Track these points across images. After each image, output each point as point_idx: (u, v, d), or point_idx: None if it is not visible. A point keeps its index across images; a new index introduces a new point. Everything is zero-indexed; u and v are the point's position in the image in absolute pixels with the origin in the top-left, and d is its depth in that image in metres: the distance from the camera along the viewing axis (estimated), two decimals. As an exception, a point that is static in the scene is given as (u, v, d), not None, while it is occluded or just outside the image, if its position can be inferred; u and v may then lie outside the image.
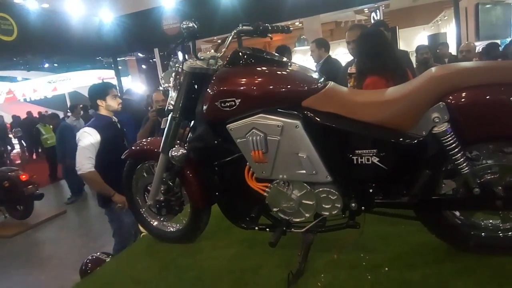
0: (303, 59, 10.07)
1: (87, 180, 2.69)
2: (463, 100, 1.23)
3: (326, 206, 1.47)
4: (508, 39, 9.27)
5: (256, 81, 1.41)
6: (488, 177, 1.30)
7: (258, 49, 1.54)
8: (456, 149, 1.25)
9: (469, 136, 1.25)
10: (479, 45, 7.33)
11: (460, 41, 6.95)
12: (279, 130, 1.40)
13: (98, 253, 2.32)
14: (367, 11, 12.94)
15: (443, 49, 6.31)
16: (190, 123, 1.71)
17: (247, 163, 1.53)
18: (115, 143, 2.72)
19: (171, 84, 1.63)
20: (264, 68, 1.46)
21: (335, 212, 1.47)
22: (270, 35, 1.68)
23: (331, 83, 1.47)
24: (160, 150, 1.70)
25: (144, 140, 1.97)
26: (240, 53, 1.50)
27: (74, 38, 8.30)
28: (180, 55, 1.67)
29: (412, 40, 13.00)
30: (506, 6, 9.52)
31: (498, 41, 8.20)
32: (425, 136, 1.28)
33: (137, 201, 2.01)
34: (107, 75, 19.08)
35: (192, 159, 1.71)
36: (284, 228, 1.52)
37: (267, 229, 1.61)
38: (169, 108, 1.63)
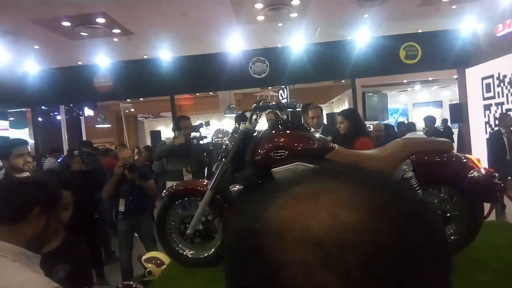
0: (230, 123, 11.08)
1: None
2: (418, 158, 2.12)
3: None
4: (385, 121, 11.72)
5: (298, 140, 2.12)
6: (433, 204, 2.16)
7: (287, 119, 2.27)
8: (417, 187, 2.10)
9: (423, 179, 2.12)
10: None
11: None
12: (311, 173, 2.09)
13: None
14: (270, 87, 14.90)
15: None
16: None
17: (282, 197, 2.15)
18: None
19: (225, 140, 2.23)
20: (299, 132, 2.18)
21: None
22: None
23: (337, 145, 2.25)
24: (209, 188, 2.22)
25: (182, 182, 2.44)
26: (279, 122, 2.21)
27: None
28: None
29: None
30: (384, 95, 12.14)
31: (385, 122, 10.34)
32: (400, 179, 2.11)
33: (170, 235, 2.39)
34: (-2, 126, 17.29)
35: (229, 196, 2.26)
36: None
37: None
38: (222, 155, 2.21)
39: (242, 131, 2.18)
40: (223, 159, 2.20)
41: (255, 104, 2.15)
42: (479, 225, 2.16)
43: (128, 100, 16.13)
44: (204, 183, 2.41)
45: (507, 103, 6.84)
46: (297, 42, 8.28)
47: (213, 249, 2.35)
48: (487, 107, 7.51)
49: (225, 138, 2.26)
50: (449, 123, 10.14)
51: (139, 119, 20.87)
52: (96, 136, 17.26)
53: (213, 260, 2.33)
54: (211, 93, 15.00)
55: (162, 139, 4.40)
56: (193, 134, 3.88)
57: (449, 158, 2.11)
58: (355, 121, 3.34)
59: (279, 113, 3.71)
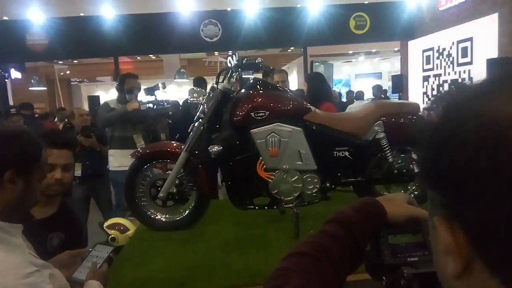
0: (176, 90, 10.67)
1: None
2: (389, 120, 2.21)
3: (309, 187, 2.21)
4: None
5: (278, 101, 2.10)
6: (401, 163, 2.29)
7: (266, 81, 2.23)
8: (388, 147, 2.21)
9: (393, 139, 2.23)
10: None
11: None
12: (289, 134, 2.10)
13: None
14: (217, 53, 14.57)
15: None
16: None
17: (260, 158, 2.14)
18: None
19: (200, 99, 2.13)
20: (278, 92, 2.16)
21: (315, 191, 2.22)
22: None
23: (313, 107, 2.27)
24: (184, 149, 2.14)
25: (152, 144, 2.32)
26: (259, 82, 2.16)
27: None
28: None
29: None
30: (330, 65, 12.47)
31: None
32: (372, 139, 2.20)
33: (140, 199, 2.29)
34: None
35: (203, 158, 2.20)
36: (284, 204, 2.18)
37: (265, 208, 2.23)
38: (199, 116, 2.12)
39: (220, 91, 2.11)
40: (200, 120, 2.12)
41: (236, 62, 2.08)
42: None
43: (61, 62, 14.85)
44: (175, 145, 2.32)
45: (444, 74, 7.36)
46: (248, 5, 8.08)
47: (187, 211, 2.31)
48: (425, 79, 8.02)
49: (200, 98, 2.17)
50: (388, 94, 10.74)
51: (73, 83, 19.39)
52: (25, 101, 15.75)
53: (187, 222, 2.29)
54: (153, 57, 14.30)
55: (105, 101, 3.94)
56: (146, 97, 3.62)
57: (418, 120, 2.23)
58: (314, 86, 3.37)
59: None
